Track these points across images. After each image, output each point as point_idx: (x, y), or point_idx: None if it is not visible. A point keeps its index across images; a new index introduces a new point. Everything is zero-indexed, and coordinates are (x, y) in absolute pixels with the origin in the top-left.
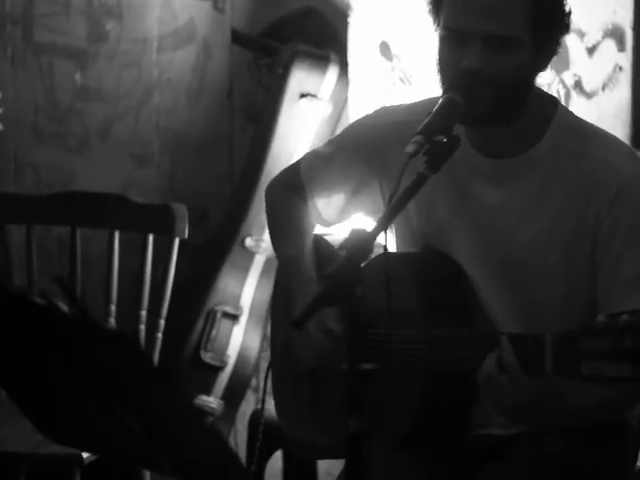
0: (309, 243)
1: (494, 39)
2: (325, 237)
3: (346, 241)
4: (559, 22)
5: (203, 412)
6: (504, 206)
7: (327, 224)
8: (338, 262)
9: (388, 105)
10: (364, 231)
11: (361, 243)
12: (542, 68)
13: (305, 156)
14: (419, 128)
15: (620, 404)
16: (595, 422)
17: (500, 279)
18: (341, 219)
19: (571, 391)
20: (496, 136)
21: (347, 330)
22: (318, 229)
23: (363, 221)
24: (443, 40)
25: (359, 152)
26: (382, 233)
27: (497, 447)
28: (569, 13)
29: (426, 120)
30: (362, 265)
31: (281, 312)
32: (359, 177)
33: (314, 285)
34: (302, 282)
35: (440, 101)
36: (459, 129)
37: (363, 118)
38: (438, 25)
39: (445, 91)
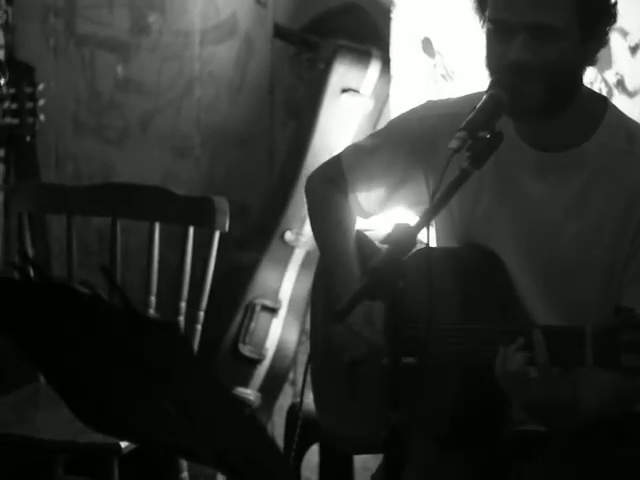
0: (352, 240)
1: (540, 29)
2: (366, 232)
3: (389, 236)
4: (605, 11)
5: (242, 404)
6: (549, 200)
7: (367, 215)
8: (381, 256)
9: (435, 98)
10: (407, 226)
11: (404, 238)
12: (589, 60)
13: (346, 149)
14: (462, 124)
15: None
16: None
17: (541, 274)
18: (381, 210)
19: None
20: (545, 129)
21: (388, 324)
22: (359, 224)
23: (405, 215)
24: (489, 35)
25: (406, 144)
26: (424, 228)
27: (534, 444)
28: (615, 3)
29: (470, 116)
30: (404, 259)
31: (322, 306)
32: (404, 169)
33: (357, 280)
34: (346, 279)
35: (484, 97)
36: (508, 122)
37: (410, 111)
38: (484, 21)
39: (490, 86)
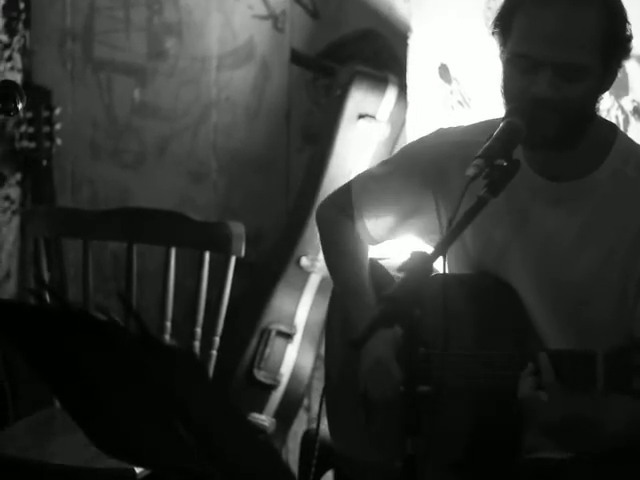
0: (365, 268)
1: (566, 67)
2: (380, 261)
3: (405, 263)
4: (625, 47)
5: (256, 429)
6: (562, 229)
7: (375, 242)
8: (397, 284)
9: (446, 126)
10: (423, 253)
11: (420, 265)
12: (604, 92)
13: (357, 176)
14: (480, 152)
15: None
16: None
17: (555, 302)
18: (390, 237)
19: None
20: (556, 160)
21: (404, 351)
22: (373, 252)
23: (420, 243)
24: (511, 64)
25: (417, 172)
26: (440, 256)
27: (549, 472)
28: (631, 37)
29: (487, 144)
30: (420, 287)
31: (337, 333)
32: (414, 197)
33: (374, 308)
34: (361, 308)
35: (501, 125)
36: (518, 151)
37: (421, 139)
38: (504, 48)
39: (507, 114)
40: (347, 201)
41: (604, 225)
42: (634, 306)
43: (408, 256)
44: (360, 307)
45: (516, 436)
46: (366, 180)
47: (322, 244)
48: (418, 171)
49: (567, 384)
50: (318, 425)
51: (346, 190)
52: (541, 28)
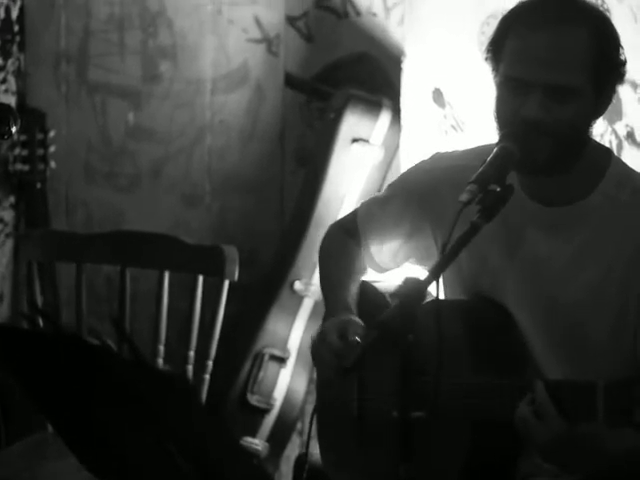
0: (351, 279)
1: (557, 89)
2: (374, 283)
3: (399, 289)
4: (617, 71)
5: (249, 454)
6: (555, 254)
7: (381, 270)
8: (391, 310)
9: (443, 151)
10: (417, 279)
11: (414, 291)
12: (598, 117)
13: (364, 201)
14: (473, 177)
15: None
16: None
17: (550, 324)
18: (395, 265)
19: (612, 436)
20: (550, 184)
21: (398, 377)
22: (370, 275)
23: (415, 269)
24: (502, 87)
25: (413, 197)
26: (434, 281)
27: None
28: (625, 62)
29: (480, 169)
30: (414, 312)
31: None
32: (412, 222)
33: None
34: (332, 309)
35: (495, 150)
36: (512, 175)
37: (419, 164)
38: (497, 72)
39: (501, 139)
40: (353, 225)
41: (599, 248)
42: (637, 327)
43: (401, 282)
44: (332, 306)
45: (511, 462)
46: (370, 204)
47: (319, 258)
48: (415, 196)
49: (567, 416)
50: (307, 449)
51: (353, 214)
52: (532, 50)
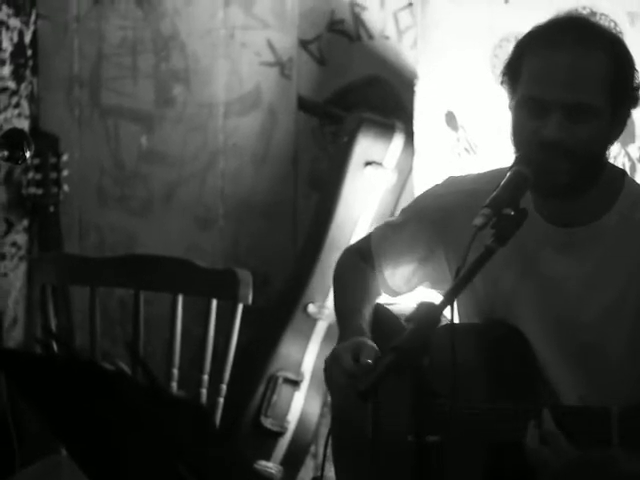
0: (366, 302)
1: (576, 109)
2: (388, 306)
3: (413, 313)
4: (633, 94)
5: (263, 477)
6: (571, 274)
7: (394, 294)
8: (406, 334)
9: (456, 175)
10: (431, 304)
11: (428, 315)
12: (614, 140)
13: (379, 225)
14: (487, 201)
15: None
16: None
17: (567, 348)
18: (408, 289)
19: (627, 458)
20: (565, 206)
21: (414, 401)
22: (384, 298)
23: (429, 294)
24: (520, 109)
25: (426, 221)
26: (449, 306)
27: None
28: (639, 86)
29: (494, 193)
30: (429, 337)
31: None
32: (426, 246)
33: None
34: (348, 332)
35: (509, 174)
36: (527, 198)
37: (432, 188)
38: (513, 95)
39: (514, 163)
40: (367, 249)
41: (614, 268)
42: None
43: (415, 307)
44: (347, 330)
45: None
46: (384, 228)
47: (333, 280)
48: (428, 220)
49: (579, 442)
50: (322, 470)
51: (367, 238)
52: (552, 70)
